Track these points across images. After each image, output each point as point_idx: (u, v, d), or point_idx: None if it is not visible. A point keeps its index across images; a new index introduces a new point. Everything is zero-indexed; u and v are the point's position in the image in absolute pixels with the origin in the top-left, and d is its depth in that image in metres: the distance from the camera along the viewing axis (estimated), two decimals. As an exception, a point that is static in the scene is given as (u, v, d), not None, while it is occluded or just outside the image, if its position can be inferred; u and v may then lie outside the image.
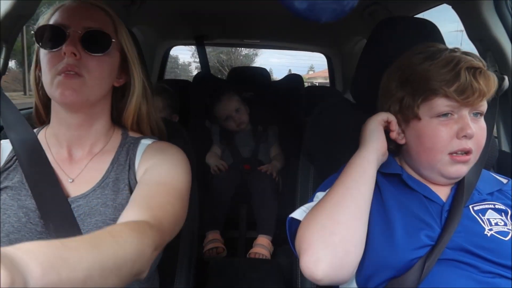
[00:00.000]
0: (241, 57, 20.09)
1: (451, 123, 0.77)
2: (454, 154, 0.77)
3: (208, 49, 2.94)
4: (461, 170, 0.79)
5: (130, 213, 0.66)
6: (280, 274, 1.55)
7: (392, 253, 0.74)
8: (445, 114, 0.77)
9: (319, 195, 0.85)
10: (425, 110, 0.79)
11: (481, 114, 0.79)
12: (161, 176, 0.75)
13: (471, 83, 0.74)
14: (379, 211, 0.79)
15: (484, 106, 0.79)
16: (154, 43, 2.68)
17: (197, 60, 2.89)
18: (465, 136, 0.76)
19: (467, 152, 0.77)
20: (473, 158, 0.79)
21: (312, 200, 0.85)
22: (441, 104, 0.77)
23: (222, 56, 18.97)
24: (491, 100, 0.81)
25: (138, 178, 0.78)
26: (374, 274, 0.75)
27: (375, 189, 0.81)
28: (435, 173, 0.81)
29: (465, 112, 0.77)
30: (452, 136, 0.77)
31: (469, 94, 0.74)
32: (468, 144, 0.76)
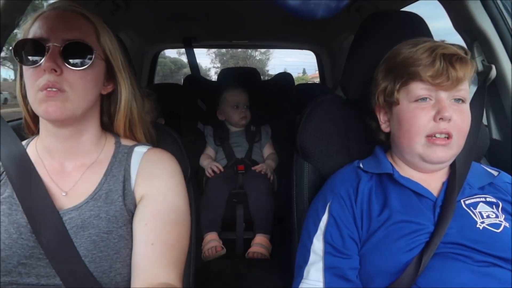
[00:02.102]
0: (256, 62, 21.66)
1: (428, 107, 0.79)
2: (433, 137, 0.78)
3: (226, 56, 2.95)
4: (440, 153, 0.79)
5: (157, 269, 0.69)
6: (279, 274, 1.55)
7: (386, 261, 0.74)
8: (423, 99, 0.79)
9: (315, 248, 0.83)
10: (404, 94, 0.81)
11: (462, 100, 0.80)
12: (170, 212, 0.75)
13: (446, 69, 0.76)
14: (371, 220, 0.79)
15: (463, 92, 0.79)
16: (142, 47, 2.66)
17: (217, 65, 2.90)
18: (441, 119, 0.77)
19: (447, 136, 0.78)
20: (456, 143, 0.79)
21: (308, 249, 0.83)
22: (416, 87, 0.79)
23: (239, 63, 20.41)
24: (478, 89, 0.82)
25: (137, 195, 0.77)
26: (373, 284, 0.75)
27: (366, 197, 0.82)
28: (416, 158, 0.82)
29: (443, 96, 0.78)
30: (429, 119, 0.78)
31: (444, 79, 0.76)
32: (445, 126, 0.77)
